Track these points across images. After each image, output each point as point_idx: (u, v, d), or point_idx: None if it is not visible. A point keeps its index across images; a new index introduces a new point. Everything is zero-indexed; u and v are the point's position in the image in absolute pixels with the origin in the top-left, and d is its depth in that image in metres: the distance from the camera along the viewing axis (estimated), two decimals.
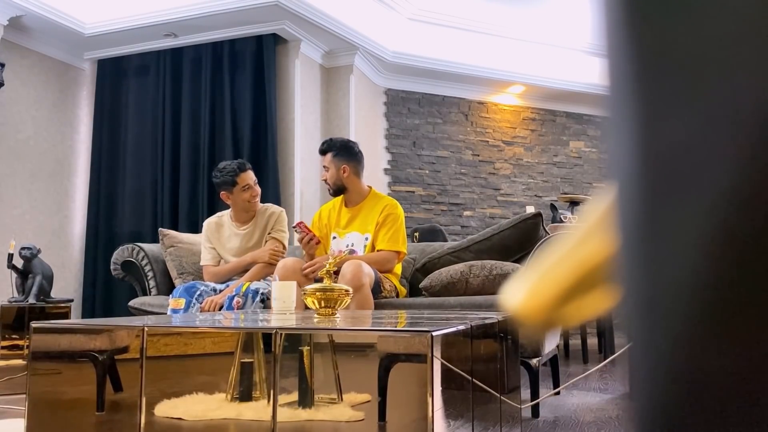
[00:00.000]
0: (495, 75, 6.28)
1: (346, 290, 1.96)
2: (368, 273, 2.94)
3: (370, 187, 3.52)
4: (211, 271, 3.54)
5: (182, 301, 3.17)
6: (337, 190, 3.41)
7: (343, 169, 3.38)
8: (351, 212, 3.40)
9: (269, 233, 3.54)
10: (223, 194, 3.53)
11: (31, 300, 3.47)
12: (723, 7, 0.28)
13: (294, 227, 3.20)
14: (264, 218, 3.56)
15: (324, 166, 3.43)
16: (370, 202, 3.41)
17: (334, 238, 3.36)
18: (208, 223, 3.65)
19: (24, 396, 1.65)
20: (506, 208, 6.59)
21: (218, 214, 3.69)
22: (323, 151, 3.44)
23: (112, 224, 5.48)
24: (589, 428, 2.25)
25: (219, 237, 3.60)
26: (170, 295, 3.30)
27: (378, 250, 3.25)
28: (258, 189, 3.57)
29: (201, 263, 3.61)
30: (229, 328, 1.56)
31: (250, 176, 3.53)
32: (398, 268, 3.37)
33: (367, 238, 3.30)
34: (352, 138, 5.58)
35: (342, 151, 3.40)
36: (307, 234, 3.16)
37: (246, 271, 3.44)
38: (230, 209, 3.60)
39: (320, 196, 5.38)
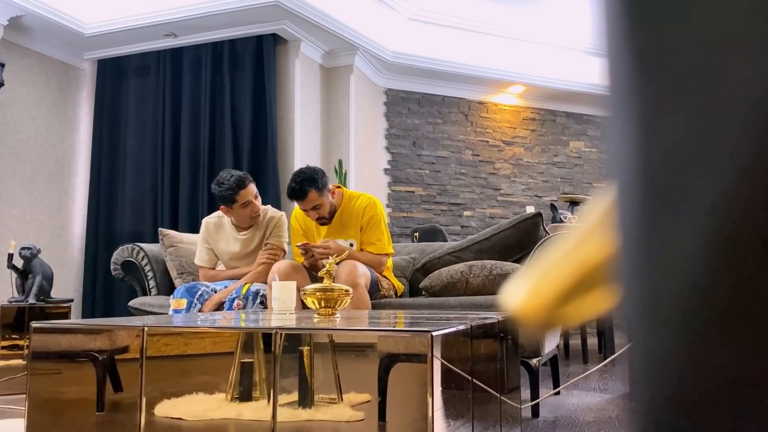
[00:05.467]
0: (495, 75, 6.28)
1: (346, 290, 1.96)
2: (363, 273, 2.93)
3: (340, 187, 3.36)
4: (207, 274, 3.51)
5: (184, 302, 3.16)
6: (332, 215, 3.25)
7: (331, 193, 3.23)
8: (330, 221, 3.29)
9: (267, 239, 3.47)
10: (222, 208, 3.41)
11: (31, 300, 3.47)
12: (721, 7, 0.28)
13: (299, 246, 3.11)
14: (264, 223, 3.47)
15: (314, 207, 3.16)
16: (347, 206, 3.27)
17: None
18: (207, 223, 3.57)
19: (24, 396, 1.65)
20: (506, 208, 6.59)
21: (218, 214, 3.57)
22: (303, 195, 3.12)
23: (112, 224, 5.48)
24: (589, 428, 2.25)
25: (217, 239, 3.53)
26: (171, 296, 3.29)
27: (367, 252, 3.22)
28: (258, 203, 3.41)
29: (196, 262, 3.57)
30: (229, 328, 1.56)
31: (250, 192, 3.35)
32: (389, 262, 3.34)
33: (352, 244, 3.25)
34: (352, 138, 5.60)
35: (319, 182, 3.15)
36: (310, 251, 3.09)
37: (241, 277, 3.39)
38: None
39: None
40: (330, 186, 3.24)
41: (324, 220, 3.24)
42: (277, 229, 3.47)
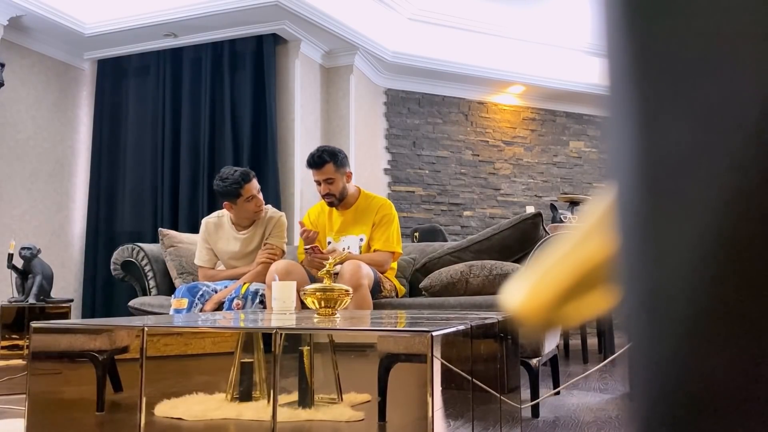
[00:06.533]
0: (495, 75, 6.28)
1: (346, 290, 1.96)
2: (367, 273, 2.94)
3: (358, 187, 3.45)
4: (206, 274, 3.52)
5: (185, 301, 3.16)
6: (341, 199, 3.30)
7: (348, 175, 3.31)
8: (344, 216, 3.34)
9: (266, 239, 3.47)
10: (226, 204, 3.43)
11: (31, 300, 3.47)
12: (722, 6, 0.28)
13: (306, 250, 3.12)
14: (263, 222, 3.49)
15: (327, 179, 3.24)
16: (362, 203, 3.35)
17: (329, 243, 3.35)
18: (206, 222, 3.59)
19: (24, 396, 1.65)
20: (506, 208, 6.59)
21: (217, 213, 3.60)
22: (321, 164, 3.22)
23: (112, 224, 5.48)
24: (589, 428, 2.25)
25: (217, 239, 3.54)
26: (173, 295, 3.29)
27: (374, 251, 3.24)
28: (262, 197, 3.46)
29: (195, 262, 3.58)
30: (229, 328, 1.56)
31: (254, 186, 3.40)
32: (393, 265, 3.36)
33: (361, 239, 3.28)
34: (352, 138, 5.60)
35: (340, 159, 3.26)
36: (316, 253, 3.11)
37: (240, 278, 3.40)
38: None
39: (320, 196, 5.38)
40: (348, 170, 3.32)
41: (332, 199, 3.29)
42: (277, 229, 3.48)
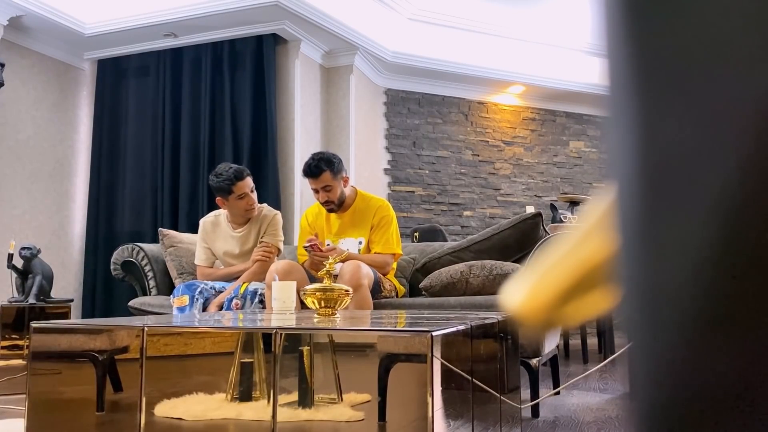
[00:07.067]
0: (495, 75, 6.28)
1: (346, 290, 1.96)
2: (367, 273, 2.94)
3: (354, 188, 3.44)
4: (204, 273, 3.54)
5: (186, 298, 3.17)
6: (340, 204, 3.30)
7: (345, 180, 3.30)
8: (341, 218, 3.34)
9: (261, 237, 3.49)
10: (218, 199, 3.47)
11: (31, 300, 3.47)
12: (722, 6, 0.28)
13: (306, 246, 3.12)
14: (258, 220, 3.52)
15: (324, 187, 3.23)
16: (360, 204, 3.34)
17: (328, 245, 3.35)
18: (204, 222, 3.63)
19: (24, 396, 1.65)
20: (506, 208, 6.59)
21: (214, 213, 3.65)
22: (318, 173, 3.21)
23: (112, 224, 5.48)
24: (589, 428, 2.25)
25: (215, 237, 3.58)
26: (172, 295, 3.30)
27: (374, 253, 3.24)
28: (254, 197, 3.48)
29: (195, 261, 3.62)
30: (229, 328, 1.56)
31: (247, 184, 3.42)
32: (393, 265, 3.36)
33: (360, 242, 3.28)
34: (352, 138, 5.60)
35: (336, 165, 3.25)
36: (316, 248, 3.11)
37: (238, 277, 3.42)
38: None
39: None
40: (344, 174, 3.31)
41: (332, 206, 3.29)
42: (272, 227, 3.51)
